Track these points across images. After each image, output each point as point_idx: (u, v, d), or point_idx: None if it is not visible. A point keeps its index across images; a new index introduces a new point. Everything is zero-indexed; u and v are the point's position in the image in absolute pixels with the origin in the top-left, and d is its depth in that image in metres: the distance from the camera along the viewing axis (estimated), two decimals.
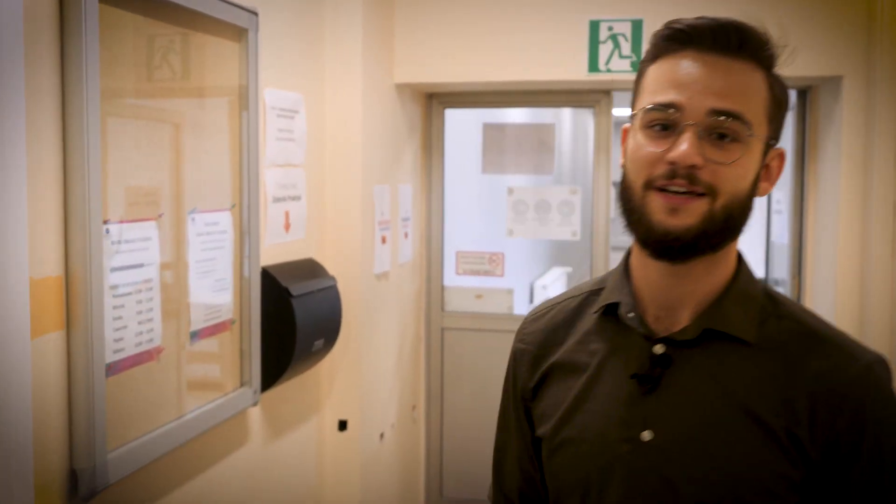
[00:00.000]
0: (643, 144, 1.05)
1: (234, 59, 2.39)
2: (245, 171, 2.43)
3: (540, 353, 1.23)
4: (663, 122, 1.04)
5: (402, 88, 3.58)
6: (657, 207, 1.03)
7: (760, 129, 1.05)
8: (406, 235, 3.73)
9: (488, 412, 3.99)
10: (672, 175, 1.02)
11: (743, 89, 1.03)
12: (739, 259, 1.13)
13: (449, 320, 4.05)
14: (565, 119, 4.19)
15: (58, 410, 1.78)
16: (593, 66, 3.34)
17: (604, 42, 3.32)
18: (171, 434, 2.10)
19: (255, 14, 2.43)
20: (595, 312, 1.18)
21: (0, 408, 1.57)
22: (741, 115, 1.02)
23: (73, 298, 1.78)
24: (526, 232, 3.94)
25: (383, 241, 3.38)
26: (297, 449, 2.97)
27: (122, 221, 1.92)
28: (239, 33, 2.40)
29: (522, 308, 4.06)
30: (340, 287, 3.10)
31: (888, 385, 1.06)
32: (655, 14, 3.28)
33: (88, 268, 1.77)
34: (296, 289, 2.64)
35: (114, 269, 1.90)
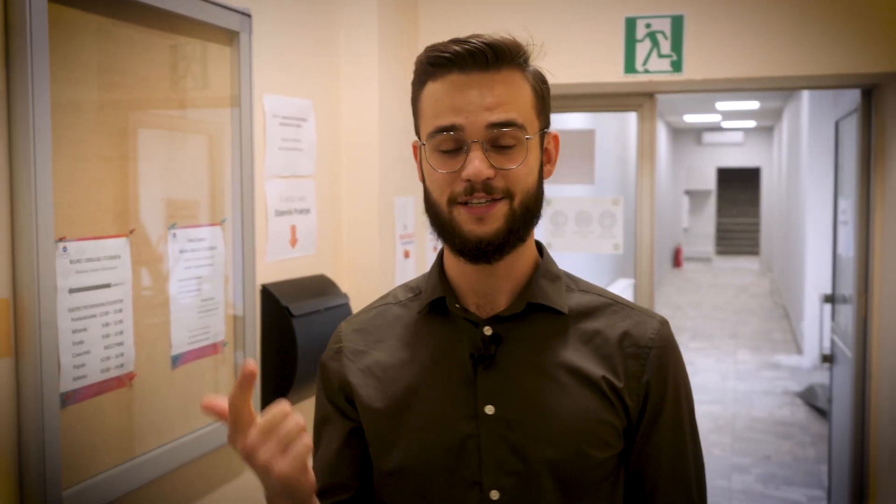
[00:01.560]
0: (437, 166, 1.16)
1: (224, 63, 2.25)
2: (237, 184, 2.28)
3: (361, 352, 1.29)
4: (449, 144, 1.14)
5: None
6: (465, 220, 1.14)
7: (533, 126, 1.17)
8: (435, 249, 3.54)
9: None
10: (471, 190, 1.13)
11: (510, 98, 1.15)
12: (540, 247, 1.28)
13: None
14: (607, 124, 3.94)
15: (7, 443, 1.64)
16: (630, 66, 3.10)
17: (641, 41, 3.08)
18: (146, 466, 1.95)
19: (248, 16, 2.28)
20: (420, 312, 1.27)
21: None
22: (514, 121, 1.14)
23: (21, 323, 1.64)
24: (565, 245, 3.71)
25: (406, 255, 3.20)
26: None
27: (82, 239, 1.78)
28: (230, 36, 2.25)
29: None
30: (356, 305, 2.93)
31: (674, 339, 1.26)
32: (697, 8, 3.03)
33: (37, 289, 1.63)
34: (298, 308, 2.48)
35: (73, 290, 1.76)
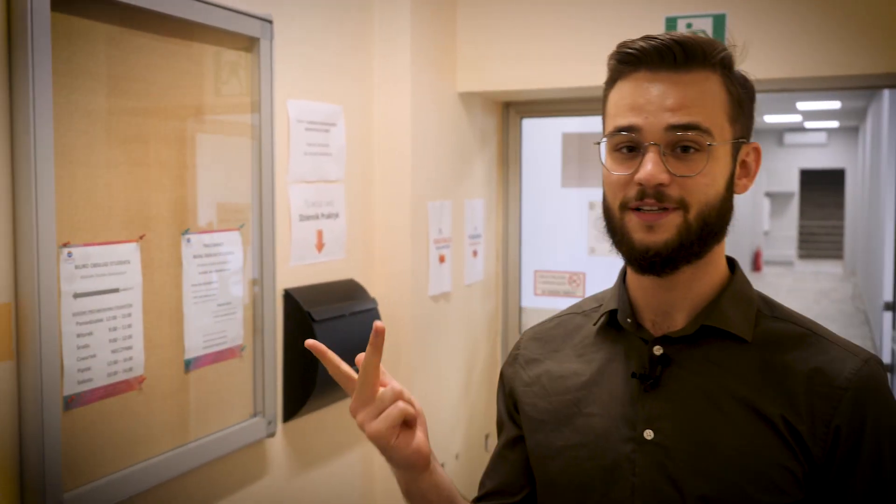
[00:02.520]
0: (613, 168, 1.10)
1: (245, 69, 2.26)
2: (256, 188, 2.29)
3: (534, 360, 1.28)
4: (628, 145, 1.09)
5: (468, 97, 3.37)
6: (634, 226, 1.08)
7: (723, 133, 1.08)
8: (475, 254, 3.51)
9: None
10: (642, 195, 1.06)
11: (697, 99, 1.06)
12: (734, 264, 1.19)
13: None
14: None
15: (7, 446, 1.67)
16: None
17: None
18: (154, 470, 1.97)
19: (269, 22, 2.29)
20: (595, 324, 1.23)
21: None
22: (698, 125, 1.05)
23: (23, 327, 1.67)
24: (608, 250, 3.62)
25: (441, 260, 3.17)
26: (337, 481, 2.80)
27: (88, 244, 1.80)
28: (250, 43, 2.26)
29: None
30: (388, 310, 2.92)
31: (885, 381, 1.09)
32: (739, 6, 2.92)
33: (37, 294, 1.66)
34: (320, 312, 2.47)
35: (78, 295, 1.78)
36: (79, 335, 1.79)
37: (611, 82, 1.15)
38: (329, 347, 2.45)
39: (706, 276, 1.13)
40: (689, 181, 1.05)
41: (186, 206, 2.07)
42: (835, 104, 13.14)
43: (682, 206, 1.06)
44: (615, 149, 1.10)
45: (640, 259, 1.08)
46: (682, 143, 1.06)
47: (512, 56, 3.21)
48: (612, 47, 3.27)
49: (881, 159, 9.55)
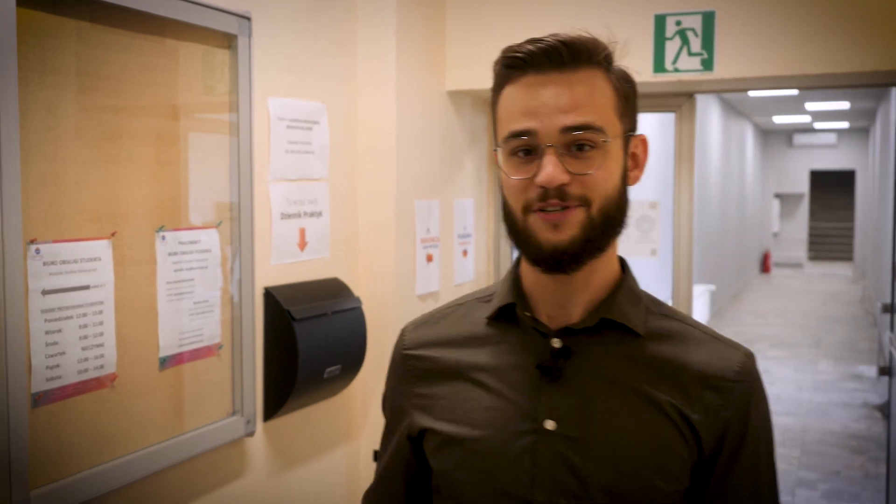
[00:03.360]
0: (511, 173, 1.12)
1: (222, 66, 2.25)
2: (234, 187, 2.28)
3: (425, 357, 1.26)
4: (524, 148, 1.10)
5: (457, 96, 3.36)
6: (540, 227, 1.09)
7: (614, 129, 1.11)
8: (465, 253, 3.49)
9: None
10: (545, 196, 1.08)
11: (587, 98, 1.09)
12: (623, 264, 1.21)
13: None
14: (643, 126, 3.82)
15: None
16: (659, 65, 2.99)
17: (671, 38, 2.96)
18: (126, 468, 1.96)
19: (247, 19, 2.28)
20: (488, 317, 1.23)
21: None
22: (592, 124, 1.08)
23: None
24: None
25: (429, 259, 3.16)
26: (320, 480, 2.79)
27: (58, 241, 1.80)
28: (227, 39, 2.25)
29: None
30: (373, 309, 2.91)
31: (760, 375, 1.16)
32: (729, 4, 2.90)
33: (2, 291, 1.65)
34: (301, 311, 2.46)
35: (47, 292, 1.78)
36: (47, 332, 1.78)
37: (498, 88, 1.16)
38: (308, 346, 2.46)
39: (602, 272, 1.15)
40: (589, 178, 1.08)
41: (161, 204, 2.07)
42: (844, 104, 13.07)
43: (584, 202, 1.08)
44: (512, 153, 1.11)
45: (549, 259, 1.09)
46: (578, 142, 1.08)
47: (494, 55, 3.20)
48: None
49: (889, 160, 9.48)
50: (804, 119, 16.12)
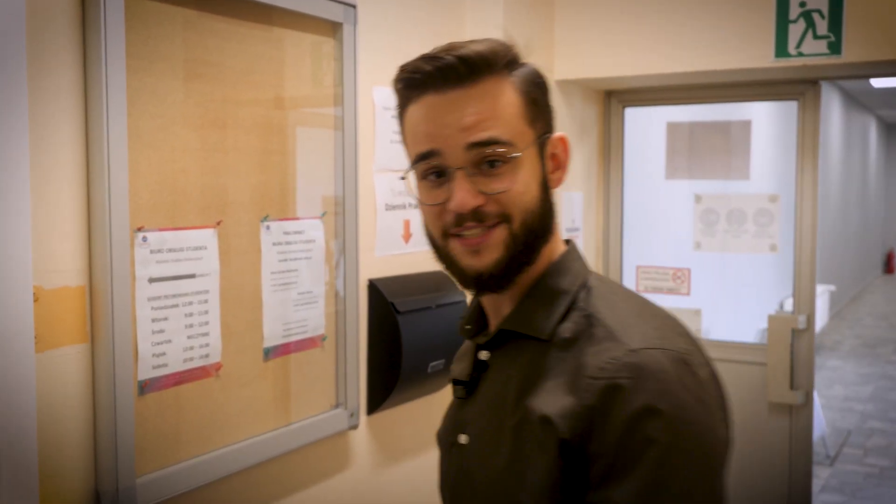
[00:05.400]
0: (425, 197, 1.08)
1: (327, 55, 2.23)
2: (339, 177, 2.25)
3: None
4: (434, 171, 1.05)
5: (567, 86, 3.26)
6: (460, 253, 1.05)
7: (524, 138, 1.05)
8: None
9: None
10: (461, 220, 1.03)
11: (491, 112, 1.03)
12: (564, 254, 1.11)
13: None
14: (764, 115, 3.63)
15: (83, 428, 1.68)
16: (781, 50, 2.82)
17: (794, 21, 2.79)
18: (230, 458, 1.96)
19: (353, 6, 2.25)
20: (458, 333, 1.22)
21: (3, 422, 1.49)
22: (497, 138, 1.02)
23: (97, 310, 1.68)
24: (715, 245, 3.45)
25: None
26: (423, 474, 2.74)
27: (164, 229, 1.80)
28: (333, 28, 2.23)
29: (713, 331, 3.56)
30: None
31: (651, 370, 0.93)
32: None
33: (110, 278, 1.66)
34: (405, 304, 2.42)
35: (153, 280, 1.78)
36: (154, 320, 1.79)
37: (401, 108, 1.11)
38: (412, 339, 2.42)
39: (526, 277, 1.09)
40: (504, 196, 1.02)
41: (265, 193, 2.05)
42: None
43: (504, 219, 1.03)
44: (423, 177, 1.07)
45: (475, 283, 1.06)
46: (488, 159, 1.02)
47: (614, 41, 3.09)
48: (723, 28, 3.08)
49: None
50: None
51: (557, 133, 1.11)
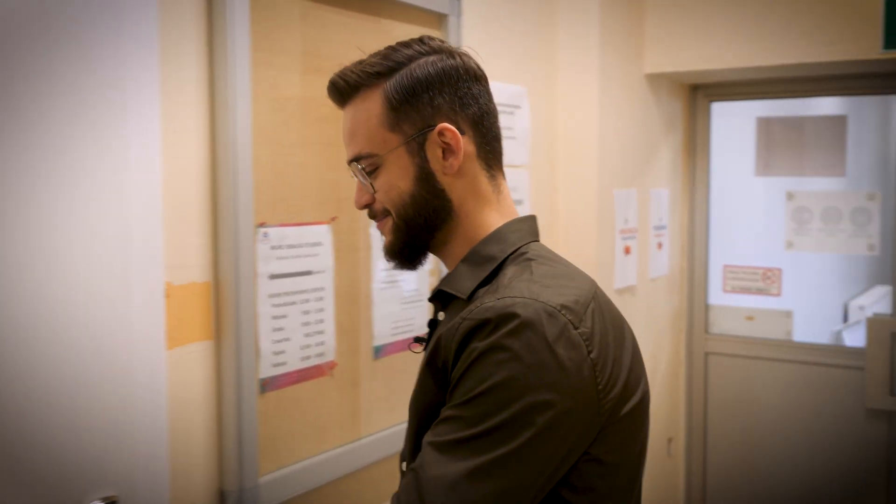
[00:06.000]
0: None
1: None
2: None
3: None
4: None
5: (655, 79, 3.18)
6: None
7: (387, 144, 1.14)
8: (660, 246, 3.31)
9: (761, 450, 3.45)
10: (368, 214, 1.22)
11: (357, 128, 1.16)
12: (505, 225, 1.17)
13: (714, 344, 3.56)
14: (860, 109, 3.51)
15: (208, 426, 1.65)
16: (890, 40, 2.72)
17: None
18: (346, 457, 1.92)
19: None
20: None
21: (133, 418, 1.46)
22: (359, 154, 1.16)
23: (221, 307, 1.65)
24: (809, 244, 3.35)
25: (626, 251, 3.00)
26: None
27: (283, 225, 1.76)
28: (438, 19, 2.18)
29: (804, 333, 3.45)
30: None
31: (514, 321, 0.99)
32: None
33: (235, 274, 1.63)
34: None
35: (274, 276, 1.75)
36: (274, 317, 1.75)
37: None
38: None
39: (457, 249, 1.17)
40: (379, 195, 1.16)
41: None
42: None
43: (387, 213, 1.17)
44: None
45: (388, 260, 1.21)
46: (365, 169, 1.16)
47: (704, 33, 3.00)
48: (824, 17, 2.95)
49: None
50: None
51: (440, 125, 1.13)
